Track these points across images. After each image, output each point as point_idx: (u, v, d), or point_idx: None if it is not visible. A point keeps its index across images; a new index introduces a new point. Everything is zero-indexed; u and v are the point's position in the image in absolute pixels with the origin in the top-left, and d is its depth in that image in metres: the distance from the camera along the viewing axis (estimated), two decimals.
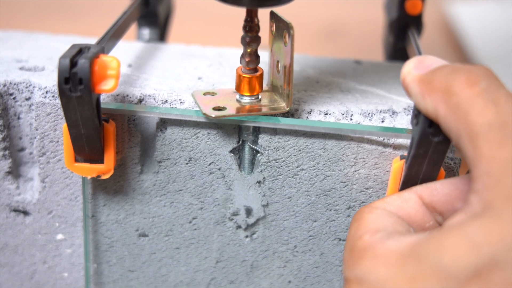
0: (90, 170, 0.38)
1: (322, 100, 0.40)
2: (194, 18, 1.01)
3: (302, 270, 0.43)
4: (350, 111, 0.39)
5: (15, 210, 0.43)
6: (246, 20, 0.37)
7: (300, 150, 0.39)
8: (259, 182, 0.40)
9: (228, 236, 0.42)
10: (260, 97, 0.39)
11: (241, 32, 0.37)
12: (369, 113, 0.39)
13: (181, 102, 0.39)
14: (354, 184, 0.40)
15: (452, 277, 0.26)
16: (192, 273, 0.44)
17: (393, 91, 0.42)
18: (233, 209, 0.41)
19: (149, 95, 0.40)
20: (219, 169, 0.40)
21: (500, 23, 1.02)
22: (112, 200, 0.41)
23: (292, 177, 0.40)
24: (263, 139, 0.39)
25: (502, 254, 0.25)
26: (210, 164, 0.40)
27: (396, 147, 0.38)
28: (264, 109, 0.38)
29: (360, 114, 0.39)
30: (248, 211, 0.41)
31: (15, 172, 0.42)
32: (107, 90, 0.33)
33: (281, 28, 0.36)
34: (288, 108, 0.38)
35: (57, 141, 0.40)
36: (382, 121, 0.39)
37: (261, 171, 0.40)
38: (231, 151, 0.40)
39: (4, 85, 0.40)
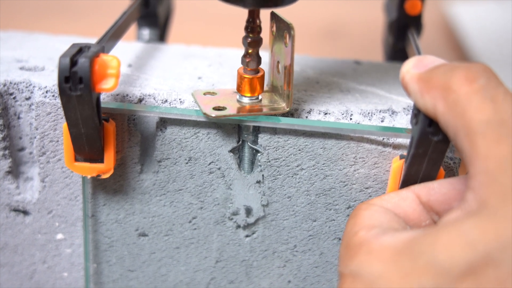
0: (90, 169, 0.38)
1: (322, 100, 0.40)
2: (194, 19, 1.01)
3: (301, 269, 0.43)
4: (350, 111, 0.39)
5: (15, 210, 0.43)
6: (248, 21, 0.37)
7: (300, 150, 0.39)
8: (258, 181, 0.40)
9: (228, 235, 0.42)
10: (260, 97, 0.39)
11: (241, 32, 0.37)
12: (368, 112, 0.39)
13: (181, 102, 0.39)
14: (354, 184, 0.40)
15: (446, 274, 0.26)
16: (192, 273, 0.44)
17: (393, 91, 0.43)
18: (233, 208, 0.41)
19: (149, 95, 0.40)
20: (219, 168, 0.40)
21: (500, 23, 1.02)
22: (112, 199, 0.42)
23: (292, 176, 0.40)
24: (262, 138, 0.39)
25: (497, 252, 0.25)
26: (210, 163, 0.40)
27: (396, 146, 0.38)
28: (264, 109, 0.38)
29: (360, 113, 0.39)
30: (248, 211, 0.41)
31: (15, 171, 0.42)
32: (107, 89, 0.33)
33: (282, 28, 0.36)
34: (288, 109, 0.38)
35: (57, 141, 0.40)
36: (382, 121, 0.39)
37: (261, 170, 0.40)
38: (231, 151, 0.40)
39: (4, 85, 0.40)
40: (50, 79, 0.40)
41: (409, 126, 0.37)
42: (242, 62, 0.38)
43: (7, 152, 0.41)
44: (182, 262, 0.43)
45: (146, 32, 0.54)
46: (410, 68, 0.32)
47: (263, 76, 0.38)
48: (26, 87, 0.40)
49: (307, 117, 0.39)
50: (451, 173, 0.38)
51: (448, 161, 0.38)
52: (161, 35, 0.56)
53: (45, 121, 0.40)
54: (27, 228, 0.43)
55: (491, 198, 0.26)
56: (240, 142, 0.40)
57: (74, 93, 0.33)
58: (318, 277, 0.43)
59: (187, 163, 0.40)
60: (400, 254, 0.28)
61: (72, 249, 0.44)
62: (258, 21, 0.37)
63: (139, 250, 0.43)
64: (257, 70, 0.38)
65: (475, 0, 1.10)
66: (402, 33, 0.50)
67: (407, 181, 0.35)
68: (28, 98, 0.40)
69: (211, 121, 0.38)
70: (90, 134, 0.35)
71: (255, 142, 0.40)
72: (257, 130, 0.39)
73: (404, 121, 0.39)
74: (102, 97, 0.37)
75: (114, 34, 0.39)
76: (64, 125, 0.36)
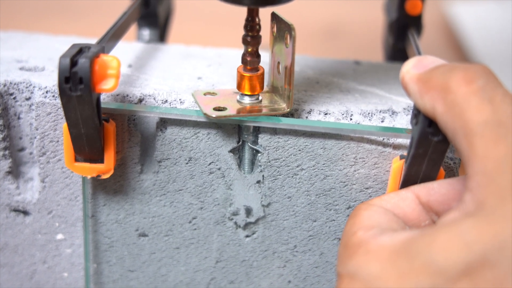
0: (90, 169, 0.38)
1: (322, 100, 0.40)
2: (194, 19, 1.01)
3: (302, 270, 0.43)
4: (350, 111, 0.39)
5: (15, 210, 0.43)
6: (247, 20, 0.37)
7: (300, 150, 0.39)
8: (259, 181, 0.40)
9: (228, 236, 0.42)
10: (260, 98, 0.39)
11: (241, 32, 0.38)
12: (368, 113, 0.39)
13: (181, 102, 0.39)
14: (354, 184, 0.40)
15: (443, 274, 0.26)
16: (192, 273, 0.44)
17: (393, 91, 0.43)
18: (233, 209, 0.41)
19: (149, 95, 0.40)
20: (219, 169, 0.40)
21: (500, 23, 1.02)
22: (112, 200, 0.42)
23: (292, 176, 0.40)
24: (263, 138, 0.39)
25: (493, 253, 0.25)
26: (210, 164, 0.40)
27: (396, 147, 0.38)
28: (264, 110, 0.38)
29: (360, 114, 0.39)
30: (248, 211, 0.41)
31: (15, 172, 0.42)
32: (107, 90, 0.33)
33: (283, 29, 0.36)
34: (288, 109, 0.38)
35: (57, 141, 0.40)
36: (382, 121, 0.39)
37: (261, 171, 0.40)
38: (231, 151, 0.40)
39: (4, 85, 0.40)
40: (50, 80, 0.40)
41: (409, 127, 0.37)
42: (242, 60, 0.38)
43: (7, 152, 0.41)
44: (182, 262, 0.43)
45: (146, 33, 0.54)
46: (410, 68, 0.32)
47: (262, 74, 0.38)
48: (26, 87, 0.40)
49: (307, 117, 0.39)
50: (451, 173, 0.38)
51: (448, 162, 0.38)
52: (161, 35, 0.56)
53: (45, 121, 0.40)
54: (27, 228, 0.43)
55: (489, 199, 0.26)
56: (240, 142, 0.40)
57: (74, 93, 0.33)
58: (318, 278, 0.43)
59: (187, 163, 0.40)
60: (398, 254, 0.28)
61: (72, 249, 0.44)
62: (257, 20, 0.37)
63: (139, 250, 0.43)
64: (256, 69, 0.38)
65: (475, 0, 1.10)
66: (402, 33, 0.50)
67: (407, 181, 0.35)
68: (28, 98, 0.40)
69: (211, 121, 0.38)
70: (90, 135, 0.35)
71: (255, 142, 0.40)
72: (257, 131, 0.39)
73: (404, 121, 0.39)
74: (102, 97, 0.37)
75: (114, 35, 0.39)
76: (64, 125, 0.36)
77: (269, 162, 0.40)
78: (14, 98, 0.41)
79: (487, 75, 0.29)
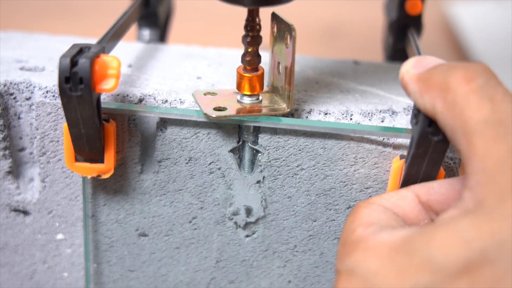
0: (91, 169, 0.38)
1: (322, 100, 0.40)
2: (194, 19, 1.01)
3: (302, 269, 0.43)
4: (350, 111, 0.39)
5: (15, 210, 0.43)
6: (247, 20, 0.37)
7: (300, 150, 0.39)
8: (259, 181, 0.40)
9: (228, 235, 0.42)
10: (260, 98, 0.39)
11: (241, 32, 0.38)
12: (368, 113, 0.39)
13: (181, 102, 0.39)
14: (354, 184, 0.40)
15: (442, 271, 0.26)
16: (192, 273, 0.44)
17: (393, 91, 0.43)
18: (233, 208, 0.41)
19: (149, 95, 0.40)
20: (219, 168, 0.40)
21: (500, 23, 1.02)
22: (112, 199, 0.42)
23: (292, 176, 0.40)
24: (263, 138, 0.39)
25: (492, 250, 0.25)
26: (210, 163, 0.40)
27: (396, 146, 0.38)
28: (264, 110, 0.38)
29: (360, 114, 0.39)
30: (248, 211, 0.41)
31: (15, 172, 0.42)
32: (107, 90, 0.33)
33: (283, 29, 0.36)
34: (288, 109, 0.38)
35: (57, 141, 0.40)
36: (382, 121, 0.39)
37: (261, 170, 0.40)
38: (231, 151, 0.40)
39: (5, 85, 0.40)
40: (50, 79, 0.40)
41: (409, 126, 0.37)
42: (242, 60, 0.38)
43: (7, 152, 0.41)
44: (182, 262, 0.43)
45: (146, 33, 0.54)
46: (409, 68, 0.32)
47: (262, 74, 0.38)
48: (27, 87, 0.40)
49: (307, 117, 0.39)
50: (451, 173, 0.38)
51: (448, 161, 0.38)
52: (161, 36, 0.56)
53: (45, 121, 0.40)
54: (27, 228, 0.44)
55: (488, 197, 0.26)
56: (241, 142, 0.40)
57: (74, 93, 0.33)
58: (318, 277, 0.43)
59: (187, 163, 0.40)
60: (397, 251, 0.28)
61: (72, 249, 0.44)
62: (257, 20, 0.37)
63: (139, 250, 0.43)
64: (256, 69, 0.38)
65: (475, 0, 1.10)
66: (402, 33, 0.50)
67: (407, 181, 0.35)
68: (28, 98, 0.40)
69: (211, 121, 0.38)
70: (91, 134, 0.36)
71: (255, 142, 0.40)
72: (257, 130, 0.39)
73: (404, 121, 0.39)
74: (102, 97, 0.37)
75: (115, 35, 0.39)
76: (64, 125, 0.36)
77: (269, 162, 0.40)
78: (14, 98, 0.41)
79: (486, 74, 0.29)
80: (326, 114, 0.39)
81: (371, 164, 0.39)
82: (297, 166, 0.40)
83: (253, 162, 0.40)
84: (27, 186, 0.43)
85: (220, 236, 0.42)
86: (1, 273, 0.45)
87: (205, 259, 0.43)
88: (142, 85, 0.41)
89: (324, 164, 0.39)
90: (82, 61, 0.32)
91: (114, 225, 0.42)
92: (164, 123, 0.39)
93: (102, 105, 0.37)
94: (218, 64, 0.46)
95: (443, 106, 0.29)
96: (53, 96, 0.39)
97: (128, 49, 0.47)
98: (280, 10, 0.37)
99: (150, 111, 0.38)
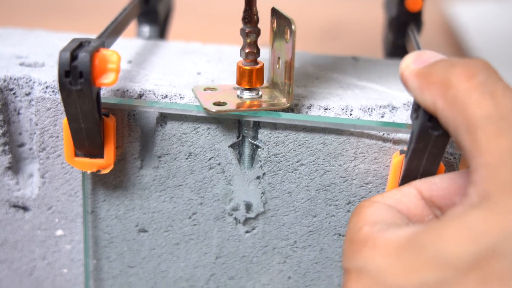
0: (90, 164, 0.38)
1: (322, 95, 0.40)
2: (194, 16, 1.01)
3: (301, 265, 0.43)
4: (350, 106, 0.39)
5: (15, 206, 0.43)
6: (245, 10, 0.37)
7: (300, 145, 0.39)
8: (258, 177, 0.40)
9: (227, 231, 0.42)
10: (260, 93, 0.39)
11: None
12: (368, 108, 0.39)
13: (181, 97, 0.39)
14: (354, 179, 0.40)
15: (452, 267, 0.26)
16: (191, 269, 0.44)
17: (393, 87, 0.43)
18: (233, 204, 0.41)
19: (149, 90, 0.40)
20: (219, 164, 0.40)
21: (500, 23, 1.02)
22: (111, 195, 0.41)
23: (292, 172, 0.40)
24: (263, 134, 0.39)
25: (501, 244, 0.25)
26: (210, 159, 0.40)
27: (396, 141, 0.38)
28: (264, 105, 0.38)
29: (360, 109, 0.39)
30: (248, 206, 0.41)
31: (14, 167, 0.42)
32: (107, 84, 0.33)
33: (283, 24, 0.36)
34: (288, 104, 0.38)
35: (57, 136, 0.40)
36: (382, 116, 0.39)
37: (261, 166, 0.40)
38: (231, 146, 0.40)
39: (4, 80, 0.40)
40: (50, 75, 0.40)
41: (409, 122, 0.37)
42: (241, 53, 0.38)
43: (7, 147, 0.41)
44: (182, 258, 0.43)
45: (146, 29, 0.54)
46: (409, 63, 0.32)
47: (262, 68, 0.38)
48: (26, 82, 0.40)
49: (307, 112, 0.39)
50: (451, 168, 0.38)
51: (448, 156, 0.38)
52: (161, 32, 0.56)
53: (45, 117, 0.40)
54: (26, 224, 0.43)
55: (492, 191, 0.26)
56: (240, 137, 0.40)
57: (74, 87, 0.33)
58: (318, 273, 0.43)
59: (187, 158, 0.40)
60: (404, 248, 0.28)
61: (71, 245, 0.44)
62: (254, 10, 0.37)
63: (139, 246, 0.43)
64: (256, 62, 0.38)
65: (475, 0, 1.10)
66: (402, 30, 0.50)
67: (407, 176, 0.35)
68: (28, 94, 0.40)
69: (211, 116, 0.38)
70: (90, 129, 0.35)
71: (255, 137, 0.39)
72: (257, 126, 0.39)
73: (404, 116, 0.39)
74: (102, 92, 0.37)
75: (114, 30, 0.39)
76: (64, 120, 0.36)
77: (269, 157, 0.40)
78: (14, 93, 0.40)
79: (487, 70, 0.29)
80: (326, 109, 0.39)
81: (371, 159, 0.39)
82: (297, 162, 0.40)
83: (253, 158, 0.40)
84: (26, 182, 0.43)
85: (220, 232, 0.42)
86: (1, 269, 0.45)
87: (205, 255, 0.43)
88: (142, 81, 0.41)
89: (324, 159, 0.39)
90: (82, 55, 0.32)
91: (114, 221, 0.42)
92: (164, 118, 0.39)
93: (102, 100, 0.36)
94: (217, 60, 0.46)
95: (444, 103, 0.29)
96: (53, 91, 0.39)
97: (128, 46, 0.47)
98: (281, 8, 0.37)
99: (150, 106, 0.38)
